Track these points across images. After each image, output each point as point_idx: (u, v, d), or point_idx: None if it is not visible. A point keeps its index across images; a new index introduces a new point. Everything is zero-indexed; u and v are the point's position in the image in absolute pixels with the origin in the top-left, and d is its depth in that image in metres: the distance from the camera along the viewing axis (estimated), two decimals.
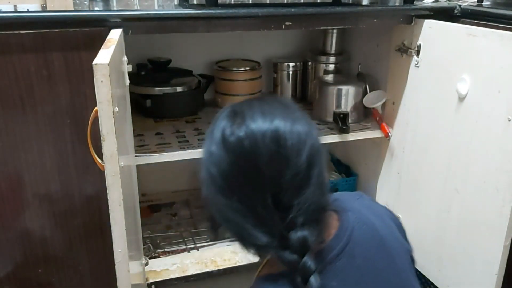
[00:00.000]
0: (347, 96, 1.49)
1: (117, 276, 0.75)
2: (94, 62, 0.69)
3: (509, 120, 1.03)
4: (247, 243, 0.61)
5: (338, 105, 1.49)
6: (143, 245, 1.36)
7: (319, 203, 0.59)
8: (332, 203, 0.64)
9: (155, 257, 1.37)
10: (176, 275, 1.29)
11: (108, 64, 0.68)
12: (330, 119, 1.48)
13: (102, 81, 0.68)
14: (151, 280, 1.26)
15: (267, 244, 0.58)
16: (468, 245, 1.18)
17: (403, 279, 0.66)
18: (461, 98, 1.16)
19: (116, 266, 0.74)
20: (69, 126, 1.05)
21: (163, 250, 1.41)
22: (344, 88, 1.49)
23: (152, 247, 1.41)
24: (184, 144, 1.29)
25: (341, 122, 1.42)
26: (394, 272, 0.65)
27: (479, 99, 1.11)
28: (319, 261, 0.58)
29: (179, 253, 1.40)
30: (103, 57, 0.72)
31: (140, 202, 1.28)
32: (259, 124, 0.57)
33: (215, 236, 0.67)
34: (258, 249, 0.61)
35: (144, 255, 1.33)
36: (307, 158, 0.58)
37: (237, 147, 0.57)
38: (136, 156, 1.20)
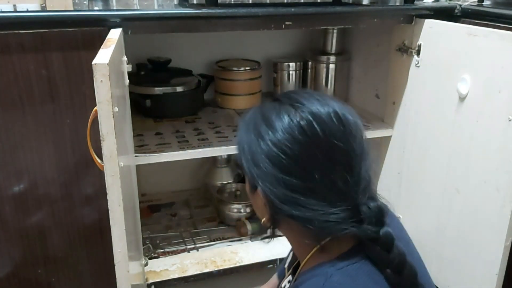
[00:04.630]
0: None
1: (116, 277, 0.74)
2: (93, 62, 0.68)
3: (510, 120, 1.03)
4: (320, 224, 0.61)
5: None
6: (143, 245, 1.36)
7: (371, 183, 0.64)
8: None
9: (154, 258, 1.37)
10: (176, 276, 1.29)
11: (107, 64, 0.68)
12: None
13: (101, 81, 0.68)
14: (150, 281, 1.26)
15: (344, 218, 0.60)
16: (469, 245, 1.18)
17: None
18: (462, 98, 1.16)
19: (115, 267, 0.73)
20: (69, 126, 1.05)
21: (162, 250, 1.40)
22: None
23: (152, 247, 1.41)
24: (184, 144, 1.28)
25: None
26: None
27: (479, 99, 1.11)
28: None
29: (178, 253, 1.40)
30: (103, 57, 0.72)
31: (140, 202, 1.28)
32: (319, 107, 0.62)
33: (271, 234, 0.69)
34: (331, 228, 0.61)
35: (144, 256, 1.33)
36: (363, 133, 0.65)
37: (309, 128, 0.60)
38: (136, 156, 1.20)
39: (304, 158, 0.60)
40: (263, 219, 0.67)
